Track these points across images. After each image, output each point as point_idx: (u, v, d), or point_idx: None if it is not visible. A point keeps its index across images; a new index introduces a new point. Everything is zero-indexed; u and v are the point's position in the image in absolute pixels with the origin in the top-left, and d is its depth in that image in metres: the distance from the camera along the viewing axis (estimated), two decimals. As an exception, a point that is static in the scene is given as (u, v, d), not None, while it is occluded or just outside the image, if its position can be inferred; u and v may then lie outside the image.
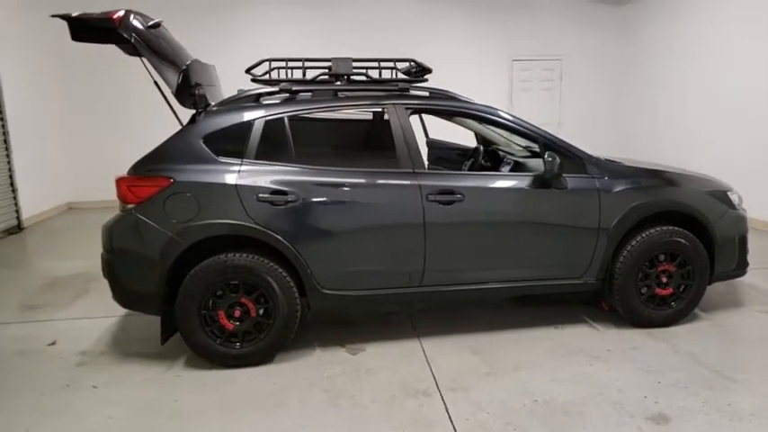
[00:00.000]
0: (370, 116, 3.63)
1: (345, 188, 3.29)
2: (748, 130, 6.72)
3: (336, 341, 3.60)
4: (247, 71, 3.48)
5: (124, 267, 3.18)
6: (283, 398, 2.95)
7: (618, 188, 3.53)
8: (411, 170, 3.36)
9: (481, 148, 4.53)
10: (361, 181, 3.31)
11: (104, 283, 4.64)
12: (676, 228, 3.58)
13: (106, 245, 3.25)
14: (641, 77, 8.90)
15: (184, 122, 3.38)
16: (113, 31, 3.09)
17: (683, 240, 3.58)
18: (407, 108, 3.46)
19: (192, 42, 8.55)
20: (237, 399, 2.95)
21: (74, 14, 3.11)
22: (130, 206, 3.15)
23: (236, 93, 3.81)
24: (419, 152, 3.42)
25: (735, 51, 6.92)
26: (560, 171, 3.37)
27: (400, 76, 3.78)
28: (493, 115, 3.57)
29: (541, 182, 3.46)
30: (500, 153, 4.47)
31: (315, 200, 3.23)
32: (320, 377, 3.17)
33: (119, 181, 3.16)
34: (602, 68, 9.49)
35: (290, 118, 3.34)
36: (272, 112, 3.33)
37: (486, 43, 9.18)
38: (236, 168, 3.21)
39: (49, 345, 3.66)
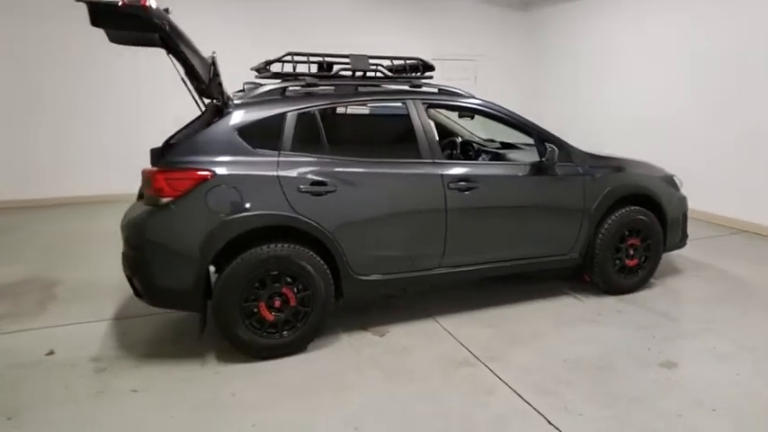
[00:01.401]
0: (386, 110, 3.80)
1: (377, 177, 3.44)
2: (637, 124, 7.80)
3: (357, 326, 3.73)
4: (269, 63, 3.48)
5: (159, 263, 3.04)
6: (341, 380, 3.06)
7: (596, 175, 4.07)
8: (432, 160, 3.60)
9: (458, 140, 4.88)
10: (391, 171, 3.49)
11: (73, 288, 4.40)
12: (640, 208, 4.21)
13: (134, 241, 3.08)
14: (546, 78, 9.89)
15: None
16: (142, 18, 2.93)
17: (645, 218, 4.22)
18: (423, 103, 3.69)
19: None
20: (297, 385, 2.99)
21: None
22: (166, 200, 3.02)
23: (241, 86, 3.77)
24: (437, 143, 3.67)
25: (622, 52, 8.07)
26: (557, 160, 3.82)
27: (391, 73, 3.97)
28: (495, 110, 3.92)
29: (539, 169, 3.89)
30: (474, 145, 4.87)
31: (350, 189, 3.34)
32: (362, 359, 3.30)
33: (155, 174, 3.02)
34: (512, 70, 10.34)
35: (320, 111, 3.42)
36: (303, 106, 3.37)
37: (414, 41, 9.54)
38: (275, 160, 3.22)
39: (48, 354, 3.35)
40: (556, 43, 9.57)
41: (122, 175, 7.95)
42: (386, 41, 8.93)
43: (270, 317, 3.21)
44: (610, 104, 8.34)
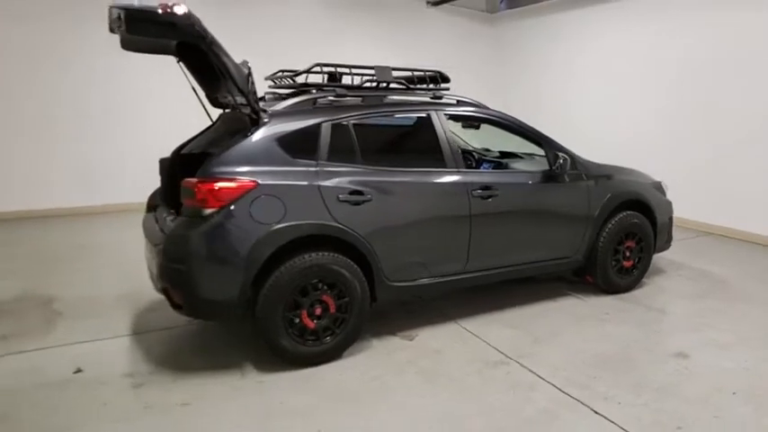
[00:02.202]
0: (411, 121, 3.93)
1: (408, 186, 3.56)
2: (599, 137, 8.23)
3: (385, 331, 3.82)
4: (299, 73, 3.55)
5: (203, 275, 3.02)
6: (384, 383, 3.14)
7: (598, 182, 4.36)
8: (456, 169, 3.76)
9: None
10: (421, 179, 3.62)
11: (74, 303, 4.25)
12: (635, 212, 4.54)
13: (176, 253, 3.05)
14: (510, 90, 10.30)
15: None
16: (181, 26, 2.94)
17: (639, 222, 4.55)
18: (446, 114, 3.85)
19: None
20: (343, 390, 3.05)
21: (137, 5, 2.89)
22: (210, 210, 3.02)
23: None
24: (460, 153, 3.84)
25: (584, 67, 8.59)
26: (568, 168, 4.08)
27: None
28: (510, 122, 4.14)
29: (551, 177, 4.13)
30: (474, 154, 5.08)
31: (383, 198, 3.44)
32: (399, 363, 3.39)
33: (198, 185, 3.01)
34: (477, 82, 10.68)
35: (353, 121, 3.51)
36: (337, 116, 3.45)
37: (382, 52, 9.71)
38: (315, 170, 3.28)
39: (76, 372, 3.24)
40: (520, 58, 10.01)
41: (97, 188, 7.73)
42: (353, 52, 9.04)
43: (311, 324, 3.26)
44: (572, 118, 8.78)
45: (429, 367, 3.34)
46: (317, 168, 3.30)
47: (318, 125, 3.38)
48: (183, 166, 4.16)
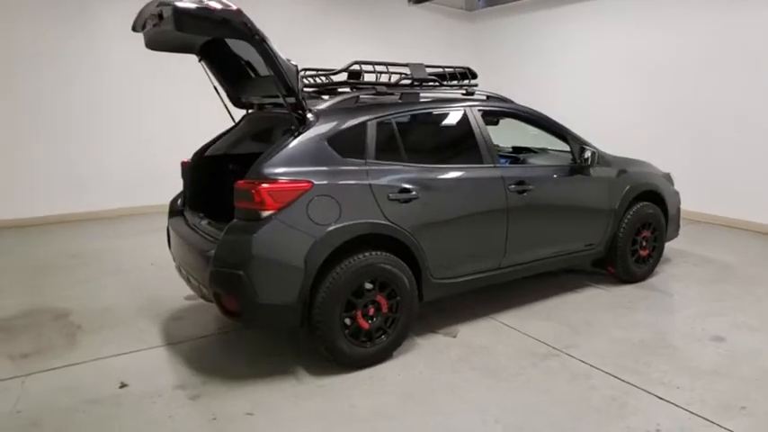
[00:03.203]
0: (448, 117, 3.90)
1: (451, 182, 3.57)
2: (577, 130, 8.47)
3: (426, 330, 3.81)
4: (340, 71, 3.50)
5: (264, 279, 2.93)
6: (446, 380, 3.13)
7: (618, 174, 4.48)
8: (492, 164, 3.79)
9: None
10: (462, 175, 3.63)
11: (90, 316, 4.07)
12: (651, 203, 4.69)
13: (232, 258, 2.94)
14: (492, 84, 10.44)
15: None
16: (232, 23, 2.85)
17: (654, 212, 4.71)
18: (480, 110, 3.87)
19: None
20: (409, 390, 3.02)
21: (188, 3, 2.78)
22: (268, 212, 2.93)
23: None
24: (495, 148, 3.86)
25: (563, 64, 8.80)
26: (596, 162, 4.18)
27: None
28: (537, 117, 4.20)
29: (576, 171, 4.22)
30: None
31: (429, 195, 3.43)
32: (452, 359, 3.39)
33: (256, 186, 2.90)
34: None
35: (396, 119, 3.47)
36: (381, 114, 3.42)
37: (362, 49, 9.62)
38: (364, 168, 3.24)
39: (122, 387, 3.08)
40: (499, 55, 10.17)
41: (82, 194, 7.36)
42: (333, 49, 8.96)
43: (366, 325, 3.21)
44: (552, 115, 8.93)
45: (483, 362, 3.35)
46: (367, 167, 3.25)
47: (364, 123, 3.33)
48: (209, 169, 4.04)
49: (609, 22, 8.04)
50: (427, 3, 9.83)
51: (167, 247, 4.09)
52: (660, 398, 2.92)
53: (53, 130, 7.14)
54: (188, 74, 7.66)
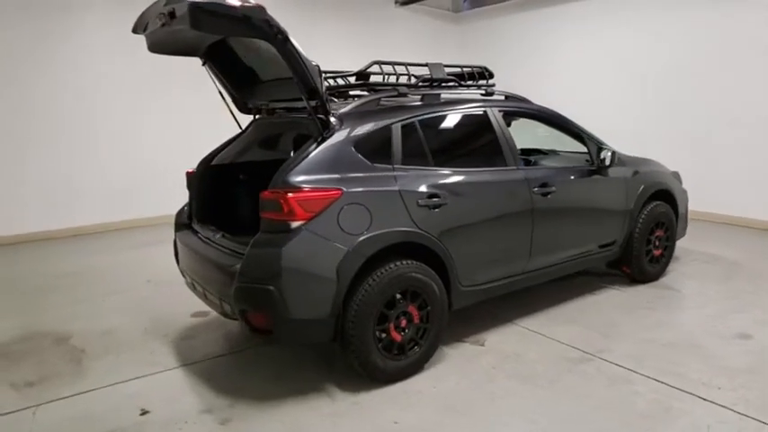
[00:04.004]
0: (469, 119, 3.80)
1: (478, 186, 3.47)
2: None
3: (452, 338, 3.69)
4: (360, 72, 3.40)
5: (296, 293, 2.77)
6: (485, 390, 3.03)
7: (633, 174, 4.46)
8: (515, 167, 3.71)
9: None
10: (489, 179, 3.54)
11: (92, 339, 3.86)
12: (663, 202, 4.68)
13: (261, 273, 2.78)
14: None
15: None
16: (256, 21, 2.69)
17: (666, 211, 4.70)
18: (500, 110, 3.79)
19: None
20: (449, 402, 2.91)
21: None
22: (298, 223, 2.78)
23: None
24: (517, 150, 3.79)
25: (547, 62, 8.89)
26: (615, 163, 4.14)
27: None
28: (555, 118, 4.15)
29: (594, 172, 4.18)
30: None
31: (457, 200, 3.33)
32: (485, 368, 3.29)
33: (284, 196, 2.75)
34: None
35: (420, 121, 3.37)
36: (405, 116, 3.31)
37: (348, 52, 9.51)
38: (392, 174, 3.12)
39: (143, 414, 2.89)
40: (484, 57, 10.10)
41: (71, 209, 7.05)
42: (321, 51, 8.76)
43: (398, 337, 3.09)
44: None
45: (517, 370, 3.25)
46: (395, 173, 3.14)
47: (389, 127, 3.22)
48: (216, 179, 3.87)
49: (598, 21, 8.11)
50: (414, 5, 9.78)
51: (175, 263, 3.89)
52: (704, 399, 2.87)
53: (43, 143, 6.82)
54: (182, 80, 7.52)
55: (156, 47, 3.46)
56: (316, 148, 2.97)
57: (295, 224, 2.78)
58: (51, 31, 6.76)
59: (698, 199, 6.94)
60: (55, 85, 6.81)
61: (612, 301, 4.34)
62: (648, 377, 3.12)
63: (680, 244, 5.68)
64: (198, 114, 7.34)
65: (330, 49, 9.18)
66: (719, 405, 2.81)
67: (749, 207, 6.71)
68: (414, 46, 10.20)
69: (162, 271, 5.06)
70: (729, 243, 6.04)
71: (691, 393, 2.93)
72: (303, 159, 2.92)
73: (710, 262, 5.30)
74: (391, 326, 3.05)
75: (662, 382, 3.05)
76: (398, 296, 3.06)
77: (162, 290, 4.82)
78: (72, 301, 4.63)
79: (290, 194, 2.77)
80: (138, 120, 7.47)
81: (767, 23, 6.37)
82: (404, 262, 3.06)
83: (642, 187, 4.48)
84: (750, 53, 6.51)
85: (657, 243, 4.71)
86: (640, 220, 4.49)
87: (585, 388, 3.03)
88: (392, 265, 3.01)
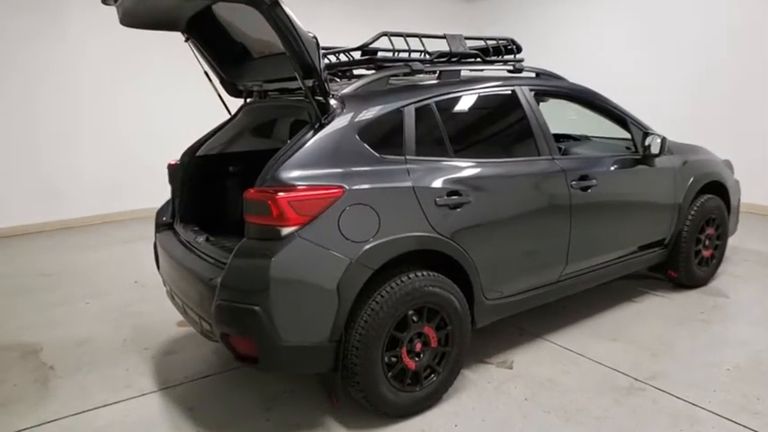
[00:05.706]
0: (495, 100, 3.22)
1: (507, 181, 2.91)
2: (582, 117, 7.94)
3: (474, 359, 3.16)
4: (364, 46, 2.84)
5: (286, 316, 2.24)
6: (518, 429, 2.49)
7: (682, 164, 3.86)
8: (551, 157, 3.14)
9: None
10: (519, 171, 2.98)
11: (63, 352, 3.36)
12: (714, 196, 4.08)
13: (245, 289, 2.26)
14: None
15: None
16: None
17: (718, 206, 4.10)
18: (531, 90, 3.21)
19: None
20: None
21: None
22: (291, 229, 2.24)
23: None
24: (552, 137, 3.21)
25: (565, 43, 8.31)
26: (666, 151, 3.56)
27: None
28: (594, 98, 3.56)
29: (640, 161, 3.59)
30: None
31: (482, 198, 2.77)
32: (515, 399, 2.75)
33: (273, 196, 2.22)
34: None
35: (437, 103, 2.80)
36: (419, 98, 2.74)
37: (358, 32, 8.93)
38: (404, 167, 2.56)
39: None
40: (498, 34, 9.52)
41: (53, 201, 6.59)
42: (327, 33, 8.19)
43: (412, 365, 2.55)
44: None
45: (556, 402, 2.71)
46: (407, 165, 2.58)
47: (400, 110, 2.65)
48: (202, 172, 3.35)
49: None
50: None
51: (156, 267, 3.39)
52: (794, 449, 2.31)
53: (20, 134, 6.34)
54: (162, 66, 6.99)
55: (130, 19, 2.94)
56: (312, 136, 2.42)
57: (286, 230, 2.24)
58: (38, 26, 6.26)
59: (746, 188, 6.35)
60: (31, 77, 6.33)
61: (658, 312, 3.77)
62: (718, 415, 2.57)
63: (729, 241, 5.10)
64: (184, 95, 6.81)
65: (338, 28, 8.58)
66: (813, 456, 2.26)
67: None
68: (425, 29, 9.40)
69: (152, 270, 4.50)
70: (764, 238, 5.41)
71: (774, 439, 2.38)
72: (297, 150, 2.37)
73: (764, 262, 4.69)
74: (404, 351, 2.52)
75: (738, 423, 2.50)
76: (412, 315, 2.53)
77: (149, 293, 4.33)
78: (46, 306, 4.16)
79: (280, 194, 2.22)
80: (119, 106, 6.98)
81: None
82: (418, 274, 2.51)
83: (692, 179, 3.88)
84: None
85: (708, 242, 4.11)
86: (690, 217, 3.90)
87: (641, 428, 2.49)
88: (404, 278, 2.47)
